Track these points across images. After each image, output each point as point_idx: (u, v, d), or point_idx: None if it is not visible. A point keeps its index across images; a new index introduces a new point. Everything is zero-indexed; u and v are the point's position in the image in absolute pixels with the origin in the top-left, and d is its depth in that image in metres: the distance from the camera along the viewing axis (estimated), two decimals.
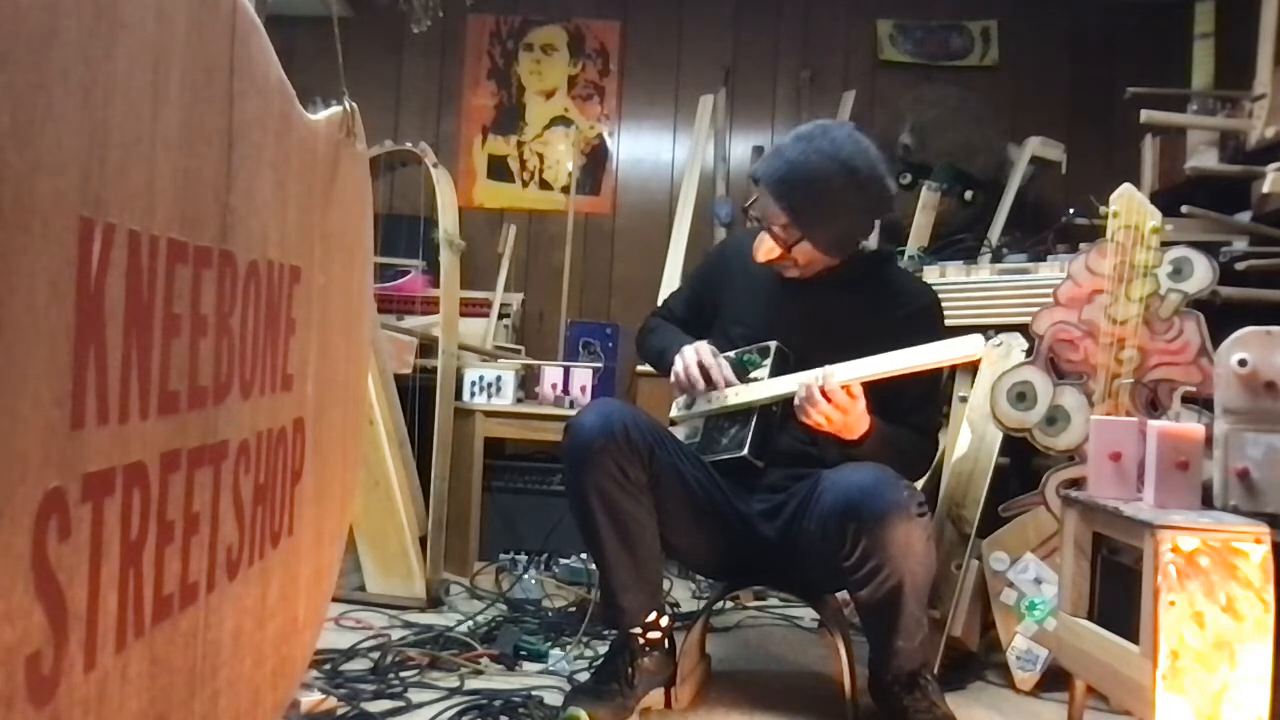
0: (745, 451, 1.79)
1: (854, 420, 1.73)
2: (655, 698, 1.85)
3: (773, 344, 1.85)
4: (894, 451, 1.80)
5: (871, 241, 2.57)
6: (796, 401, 1.73)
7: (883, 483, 1.65)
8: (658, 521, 1.79)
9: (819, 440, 1.83)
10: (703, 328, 2.04)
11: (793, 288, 1.95)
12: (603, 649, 1.99)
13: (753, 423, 1.81)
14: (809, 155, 1.82)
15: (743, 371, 1.87)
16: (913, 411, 1.86)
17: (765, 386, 1.82)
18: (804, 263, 1.91)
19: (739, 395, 1.85)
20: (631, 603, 1.78)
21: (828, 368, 1.73)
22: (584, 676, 1.93)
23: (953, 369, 2.28)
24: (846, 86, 3.72)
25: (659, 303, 3.28)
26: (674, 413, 1.98)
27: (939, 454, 2.01)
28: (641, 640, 1.79)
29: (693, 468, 1.85)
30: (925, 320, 1.90)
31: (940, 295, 2.46)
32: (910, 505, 1.62)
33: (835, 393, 1.69)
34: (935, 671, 1.97)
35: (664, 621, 1.82)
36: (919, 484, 2.25)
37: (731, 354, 1.91)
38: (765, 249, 1.89)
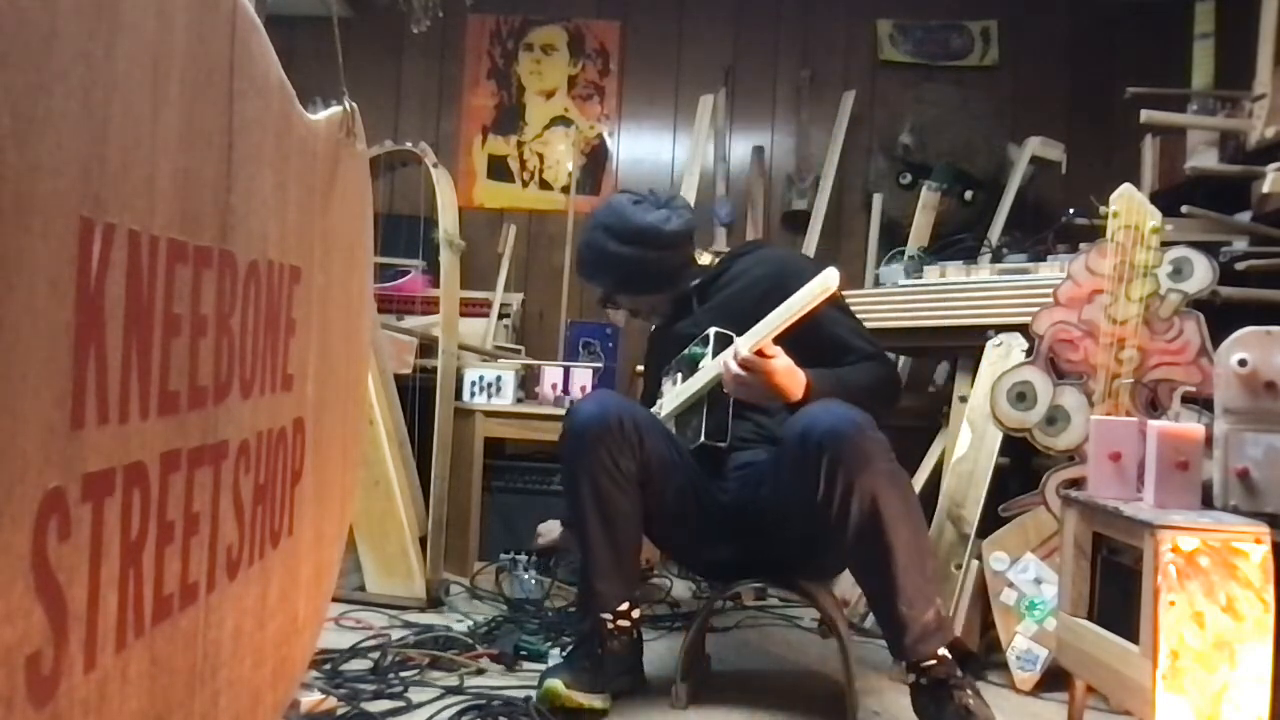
0: (702, 439, 1.87)
1: (783, 380, 1.79)
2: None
3: (711, 330, 1.90)
4: (854, 390, 1.86)
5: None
6: (724, 385, 1.82)
7: (830, 408, 1.73)
8: (649, 515, 1.88)
9: (776, 418, 1.92)
10: None
11: (676, 325, 2.12)
12: None
13: (704, 410, 1.90)
14: (583, 240, 2.15)
15: (693, 364, 1.94)
16: (848, 351, 1.95)
17: (697, 378, 1.92)
18: (647, 311, 2.20)
19: (682, 393, 1.94)
20: (606, 589, 1.85)
21: (735, 342, 1.83)
22: None
23: (953, 354, 2.28)
24: (846, 86, 3.73)
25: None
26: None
27: (900, 384, 2.11)
28: (611, 625, 1.85)
29: (683, 464, 1.92)
30: (767, 285, 1.97)
31: (941, 295, 2.47)
32: (859, 419, 1.68)
33: (750, 361, 1.77)
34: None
35: (635, 614, 1.89)
36: (924, 469, 2.22)
37: (679, 356, 2.02)
38: (616, 318, 2.02)
